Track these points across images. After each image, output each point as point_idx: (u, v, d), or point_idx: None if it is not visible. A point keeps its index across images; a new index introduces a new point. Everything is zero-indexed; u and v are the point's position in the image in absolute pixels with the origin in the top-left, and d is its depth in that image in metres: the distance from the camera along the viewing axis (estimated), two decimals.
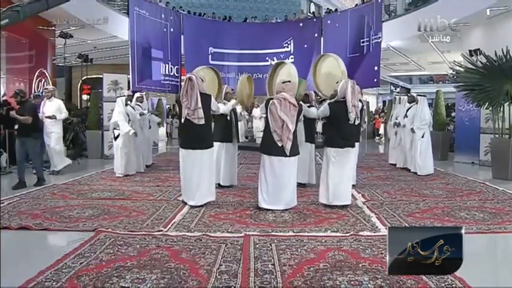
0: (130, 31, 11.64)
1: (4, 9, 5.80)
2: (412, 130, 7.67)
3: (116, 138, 7.36)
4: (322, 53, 6.52)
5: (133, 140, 7.35)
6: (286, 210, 4.75)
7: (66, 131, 10.75)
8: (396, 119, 8.51)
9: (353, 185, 6.22)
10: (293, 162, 4.84)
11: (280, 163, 4.75)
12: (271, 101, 4.78)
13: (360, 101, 6.20)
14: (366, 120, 8.80)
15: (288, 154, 4.71)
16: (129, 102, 7.55)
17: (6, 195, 5.53)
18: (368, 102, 6.54)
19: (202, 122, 4.85)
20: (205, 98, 4.96)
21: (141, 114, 7.89)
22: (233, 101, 6.02)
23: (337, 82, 5.01)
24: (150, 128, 8.72)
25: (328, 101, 5.17)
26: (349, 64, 12.64)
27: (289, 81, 5.00)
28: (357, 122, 4.90)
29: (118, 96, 7.91)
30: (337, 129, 4.91)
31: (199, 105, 4.81)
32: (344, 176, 4.90)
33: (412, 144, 7.72)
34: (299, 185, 6.17)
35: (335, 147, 4.91)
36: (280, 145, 4.70)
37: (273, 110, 4.73)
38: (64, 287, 2.69)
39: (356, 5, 14.22)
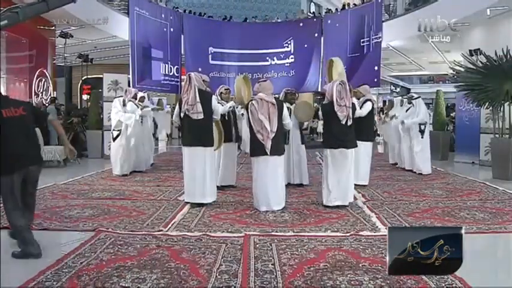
0: (130, 31, 11.65)
1: (4, 9, 5.79)
2: (402, 122, 7.73)
3: (114, 139, 7.32)
4: (328, 58, 6.42)
5: (132, 137, 7.33)
6: (278, 210, 4.71)
7: (67, 131, 10.78)
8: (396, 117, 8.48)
9: (365, 185, 6.27)
10: (277, 162, 4.81)
11: (264, 162, 4.75)
12: (250, 103, 4.83)
13: (370, 100, 6.24)
14: (376, 119, 8.74)
15: (269, 153, 4.70)
16: (132, 99, 7.51)
17: None
18: (374, 101, 6.50)
19: (201, 116, 4.85)
20: (205, 95, 4.96)
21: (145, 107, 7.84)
22: (231, 103, 6.01)
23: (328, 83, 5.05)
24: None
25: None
26: (349, 64, 12.67)
27: (265, 81, 5.07)
28: (349, 123, 4.86)
29: (115, 97, 7.88)
30: (330, 129, 4.94)
31: (198, 99, 4.83)
32: (342, 177, 4.89)
33: (410, 143, 7.71)
34: (297, 185, 6.22)
35: (329, 148, 4.93)
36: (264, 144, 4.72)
37: (253, 111, 4.75)
38: (64, 286, 2.70)
39: (355, 4, 14.22)
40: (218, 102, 5.48)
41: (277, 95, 5.85)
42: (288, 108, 5.67)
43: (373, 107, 6.33)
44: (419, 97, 7.95)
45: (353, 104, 5.16)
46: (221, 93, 6.27)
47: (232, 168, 6.26)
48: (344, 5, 15.89)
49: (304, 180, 6.29)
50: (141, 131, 7.72)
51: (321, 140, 5.52)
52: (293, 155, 6.18)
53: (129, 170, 7.38)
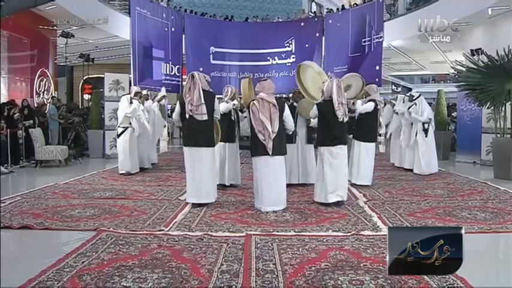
0: (131, 31, 11.66)
1: None
2: (409, 113, 7.58)
3: (119, 135, 7.37)
4: (298, 64, 6.44)
5: (137, 135, 7.39)
6: (279, 210, 4.71)
7: (68, 130, 10.81)
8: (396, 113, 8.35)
9: (368, 186, 6.27)
10: (278, 162, 4.80)
11: (266, 162, 4.75)
12: (251, 103, 4.81)
13: (374, 101, 6.23)
14: (381, 121, 8.56)
15: (270, 153, 4.70)
16: (136, 98, 7.56)
17: (8, 194, 5.55)
18: (380, 102, 6.36)
19: (205, 117, 4.84)
20: (209, 96, 4.95)
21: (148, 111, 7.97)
22: (235, 101, 5.99)
23: (323, 82, 5.05)
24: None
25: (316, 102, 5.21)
26: (350, 64, 12.67)
27: (265, 80, 5.06)
28: (345, 119, 4.91)
29: (122, 95, 7.96)
30: (327, 128, 4.95)
31: (202, 100, 4.81)
32: (340, 173, 4.93)
33: (414, 142, 7.65)
34: (299, 185, 6.21)
35: (326, 146, 4.93)
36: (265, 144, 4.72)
37: (254, 111, 4.74)
38: (66, 286, 2.70)
39: (356, 4, 14.20)
40: (222, 102, 5.48)
41: (283, 94, 5.85)
42: (294, 107, 5.67)
43: (376, 108, 6.30)
44: (420, 95, 7.91)
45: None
46: (235, 93, 6.23)
47: (236, 168, 6.26)
48: (343, 6, 15.87)
49: (312, 180, 6.28)
50: (143, 128, 7.76)
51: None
52: (299, 154, 6.16)
53: (136, 169, 7.41)
